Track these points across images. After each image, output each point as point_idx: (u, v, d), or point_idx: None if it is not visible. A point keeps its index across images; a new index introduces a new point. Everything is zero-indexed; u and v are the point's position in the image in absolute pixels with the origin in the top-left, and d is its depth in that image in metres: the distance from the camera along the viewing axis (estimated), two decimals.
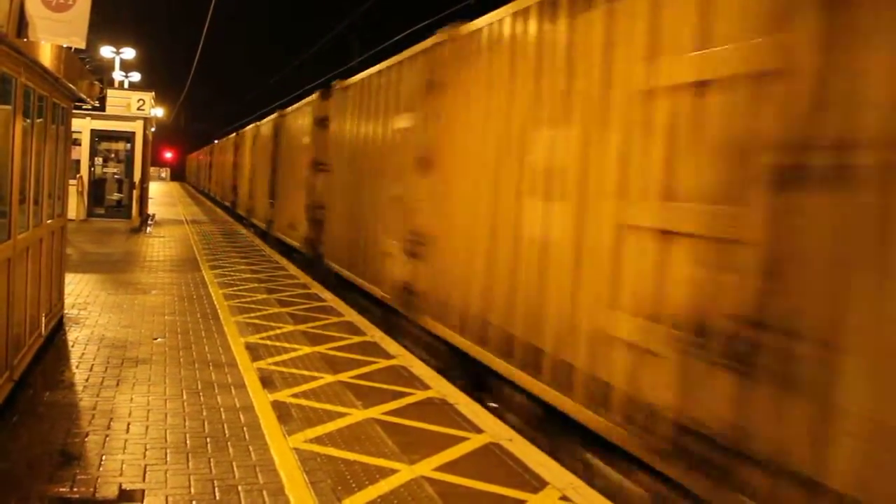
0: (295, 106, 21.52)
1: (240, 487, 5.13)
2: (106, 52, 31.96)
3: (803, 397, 4.23)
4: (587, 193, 6.47)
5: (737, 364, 4.65)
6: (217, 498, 4.96)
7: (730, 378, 4.70)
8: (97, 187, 25.37)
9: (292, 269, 16.43)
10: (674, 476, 5.14)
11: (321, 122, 17.32)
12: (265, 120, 27.63)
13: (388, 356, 9.03)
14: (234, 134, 40.23)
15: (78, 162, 23.90)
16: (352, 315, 11.49)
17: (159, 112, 41.83)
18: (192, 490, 5.05)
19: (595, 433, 6.04)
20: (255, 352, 8.79)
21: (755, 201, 4.62)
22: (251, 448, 5.84)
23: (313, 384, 7.61)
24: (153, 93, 26.40)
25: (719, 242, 4.89)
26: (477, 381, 8.49)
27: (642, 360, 5.54)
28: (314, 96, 18.15)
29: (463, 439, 6.29)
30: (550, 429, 6.97)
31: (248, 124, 35.34)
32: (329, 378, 7.87)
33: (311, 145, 17.83)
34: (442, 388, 7.79)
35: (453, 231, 9.28)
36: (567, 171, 6.79)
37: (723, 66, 4.96)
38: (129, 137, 25.35)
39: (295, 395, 7.20)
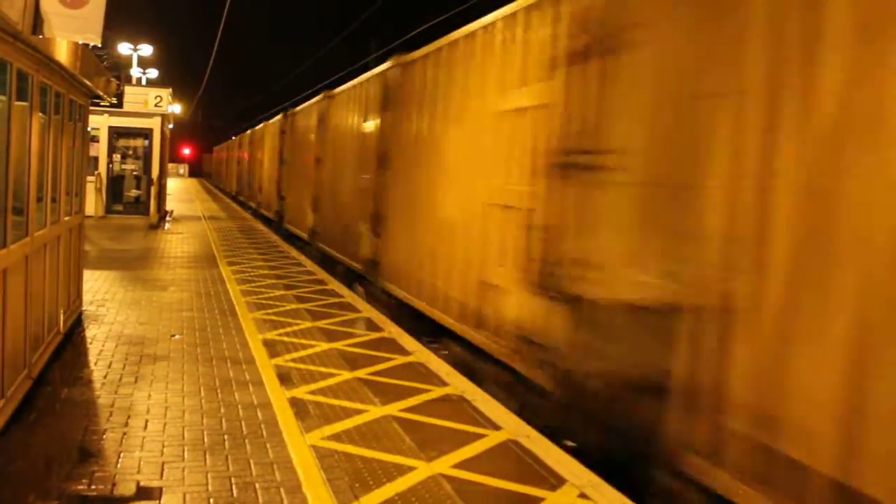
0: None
1: (257, 485, 5.11)
2: (123, 48, 32.11)
3: None
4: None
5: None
6: (234, 495, 4.94)
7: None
8: (115, 184, 25.51)
9: (309, 265, 16.43)
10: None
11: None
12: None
13: (406, 352, 8.99)
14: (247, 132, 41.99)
15: (96, 159, 24.04)
16: (370, 311, 11.47)
17: (177, 108, 42.03)
18: (210, 487, 5.03)
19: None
20: (272, 348, 8.78)
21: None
22: (268, 445, 5.82)
23: (331, 381, 7.59)
24: (171, 89, 26.49)
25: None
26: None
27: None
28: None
29: (481, 436, 6.24)
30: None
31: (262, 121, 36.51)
32: (346, 375, 7.84)
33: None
34: (460, 384, 7.75)
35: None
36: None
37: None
38: (146, 134, 25.47)
39: (312, 392, 7.18)
